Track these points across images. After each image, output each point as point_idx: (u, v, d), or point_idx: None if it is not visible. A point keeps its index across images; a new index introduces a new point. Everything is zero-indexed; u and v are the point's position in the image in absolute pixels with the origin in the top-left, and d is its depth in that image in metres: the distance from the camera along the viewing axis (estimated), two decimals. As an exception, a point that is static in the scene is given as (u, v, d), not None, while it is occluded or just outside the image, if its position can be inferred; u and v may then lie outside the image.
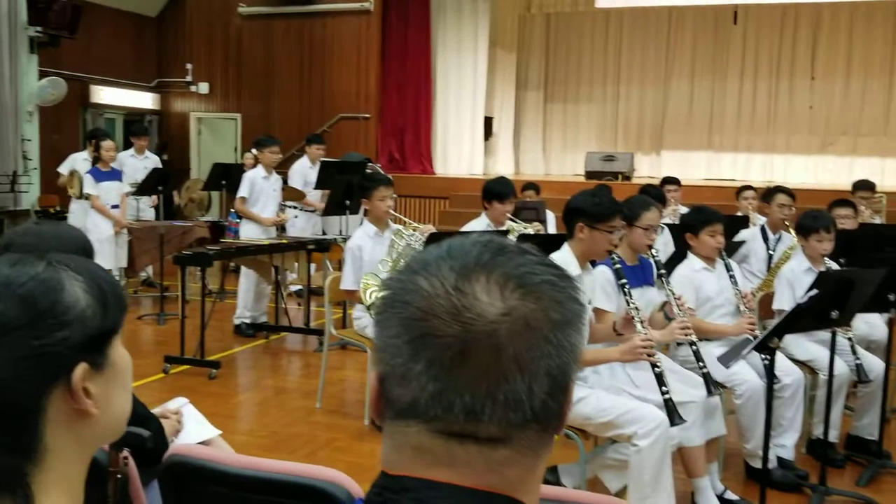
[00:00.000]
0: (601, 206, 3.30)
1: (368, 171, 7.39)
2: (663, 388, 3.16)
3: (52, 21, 9.85)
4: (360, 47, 11.59)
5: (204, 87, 12.40)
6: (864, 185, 7.74)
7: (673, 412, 3.15)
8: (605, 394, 3.35)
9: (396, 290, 0.76)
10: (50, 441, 0.92)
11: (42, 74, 10.04)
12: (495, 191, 5.36)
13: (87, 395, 0.94)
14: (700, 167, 12.66)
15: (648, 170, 12.68)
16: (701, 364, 3.53)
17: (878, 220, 7.16)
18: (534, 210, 6.71)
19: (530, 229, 5.64)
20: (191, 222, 8.25)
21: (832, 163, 12.05)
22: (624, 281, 3.41)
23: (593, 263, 3.60)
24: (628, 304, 3.35)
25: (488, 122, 12.39)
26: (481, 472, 0.74)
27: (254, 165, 7.48)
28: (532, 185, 8.05)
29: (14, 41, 9.67)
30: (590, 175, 10.94)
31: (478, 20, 11.97)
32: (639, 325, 3.29)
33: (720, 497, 3.65)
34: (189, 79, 12.44)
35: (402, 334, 0.74)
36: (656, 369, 3.18)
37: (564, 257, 3.33)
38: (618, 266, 3.48)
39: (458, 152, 12.14)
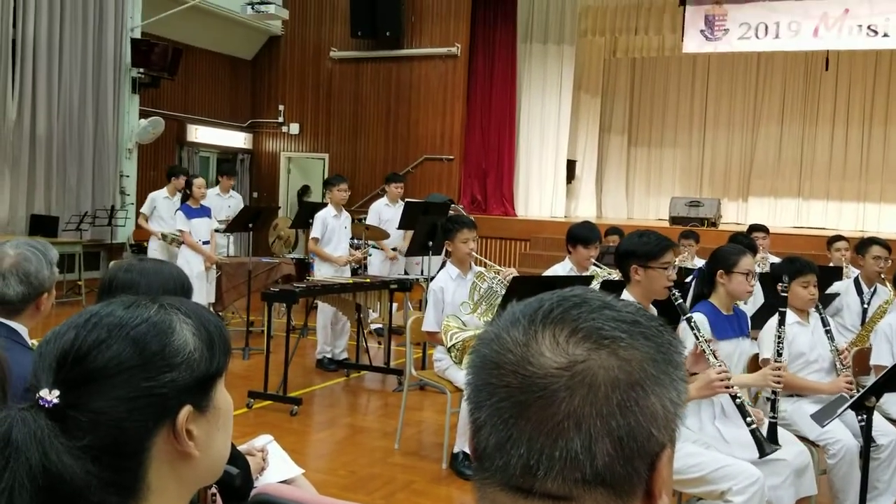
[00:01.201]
0: (650, 244, 3.26)
1: (451, 212, 7.47)
2: (748, 420, 3.08)
3: (154, 63, 10.38)
4: (446, 90, 11.81)
5: (294, 128, 12.85)
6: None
7: (761, 442, 3.07)
8: (695, 447, 3.26)
9: (481, 339, 0.78)
10: (152, 481, 0.95)
11: (142, 114, 10.58)
12: (580, 235, 5.34)
13: (189, 437, 0.96)
14: (789, 215, 12.32)
15: (735, 216, 12.41)
16: (772, 414, 3.40)
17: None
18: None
19: (614, 275, 5.57)
20: (277, 259, 8.47)
21: (930, 213, 11.56)
22: (690, 316, 3.32)
23: (670, 311, 3.53)
24: (697, 339, 3.28)
25: (571, 164, 12.39)
26: None
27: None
28: (616, 230, 7.95)
29: (118, 82, 10.26)
30: (674, 220, 10.76)
31: (563, 64, 12.06)
32: (711, 358, 3.20)
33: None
34: (280, 119, 12.92)
35: (475, 382, 0.76)
36: (737, 400, 3.10)
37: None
38: (679, 302, 3.39)
39: (540, 195, 12.16)
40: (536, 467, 0.72)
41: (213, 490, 1.94)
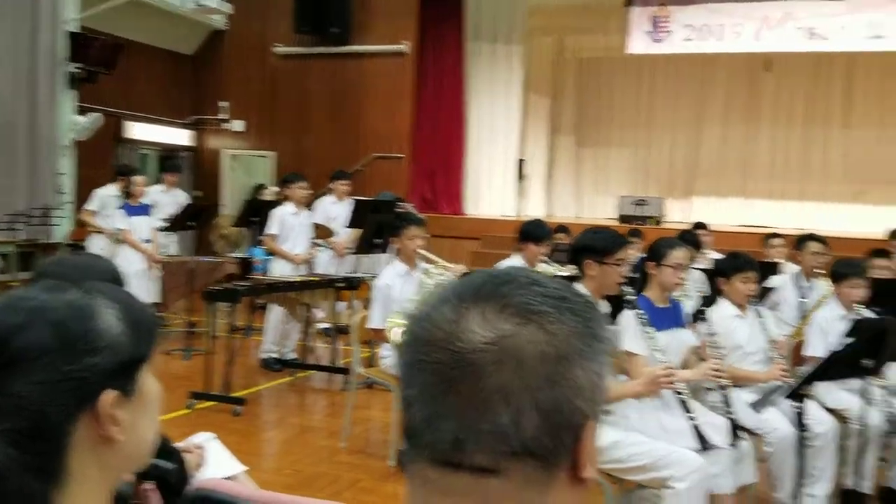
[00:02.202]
0: (606, 240, 3.31)
1: (400, 210, 7.45)
2: (690, 414, 3.14)
3: (92, 57, 10.09)
4: (395, 88, 11.77)
5: (238, 125, 12.67)
6: (899, 234, 7.63)
7: (703, 436, 3.13)
8: (639, 437, 3.31)
9: (413, 318, 0.78)
10: (74, 466, 0.93)
11: (79, 110, 10.30)
12: (532, 232, 5.39)
13: (113, 422, 0.94)
14: (732, 213, 12.58)
15: (680, 215, 12.62)
16: (728, 409, 3.48)
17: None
18: (566, 252, 6.70)
19: (564, 272, 5.63)
20: (220, 258, 8.34)
21: (865, 211, 11.89)
22: (640, 311, 3.38)
23: (620, 307, 3.58)
24: (645, 335, 3.33)
25: (521, 164, 12.47)
26: (478, 501, 0.73)
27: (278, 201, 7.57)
28: (564, 228, 8.05)
29: (53, 77, 9.94)
30: (622, 219, 10.93)
31: (512, 64, 12.13)
32: (658, 355, 3.26)
33: (751, 548, 3.56)
34: (224, 116, 12.72)
35: (405, 360, 0.77)
36: (680, 396, 3.16)
37: None
38: (630, 297, 3.44)
39: (490, 194, 12.22)
40: (465, 441, 0.72)
41: (149, 485, 1.90)
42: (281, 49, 12.22)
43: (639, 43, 11.09)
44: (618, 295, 3.49)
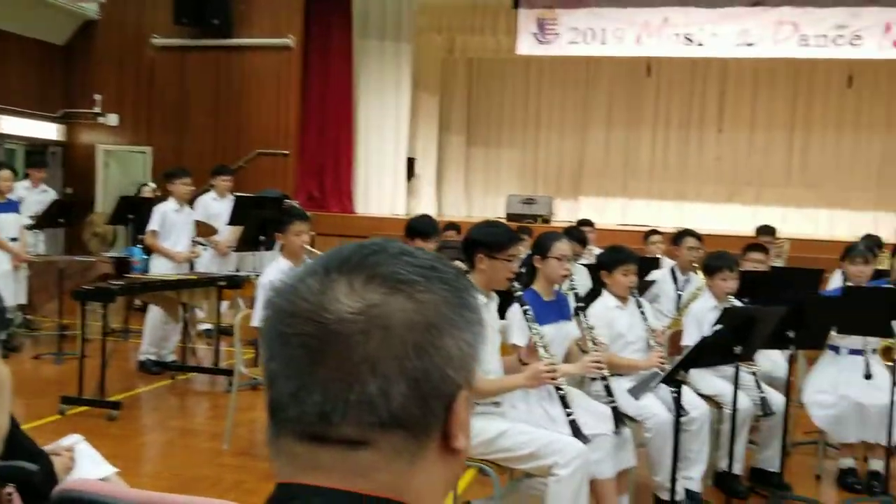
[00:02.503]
0: (498, 235, 3.34)
1: (284, 206, 7.30)
2: (567, 410, 3.22)
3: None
4: (280, 83, 11.53)
5: (113, 119, 12.08)
6: (766, 230, 8.12)
7: (578, 433, 3.22)
8: (525, 426, 3.36)
9: (276, 290, 0.76)
10: None
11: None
12: (419, 229, 5.37)
13: None
14: (616, 212, 12.99)
15: (567, 214, 12.93)
16: (611, 399, 3.58)
17: (779, 264, 7.46)
18: (455, 249, 6.74)
19: (450, 268, 5.67)
20: (93, 257, 7.94)
21: (738, 211, 12.53)
22: (527, 307, 3.42)
23: (509, 302, 3.62)
24: (531, 331, 3.38)
25: (411, 162, 12.48)
26: (347, 475, 0.72)
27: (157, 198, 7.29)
28: (454, 226, 8.16)
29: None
30: (511, 217, 11.08)
31: (400, 62, 12.11)
32: (542, 351, 3.33)
33: (630, 531, 3.67)
34: (97, 110, 12.11)
35: (268, 333, 0.74)
36: (560, 392, 3.23)
37: None
38: (519, 293, 3.49)
39: (380, 192, 12.16)
40: (332, 414, 0.71)
41: (10, 489, 1.79)
42: (159, 40, 11.75)
43: (526, 44, 11.30)
44: (507, 290, 3.53)
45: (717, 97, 12.88)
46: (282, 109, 11.54)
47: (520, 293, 3.54)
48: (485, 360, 3.32)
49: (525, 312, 3.44)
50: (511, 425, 3.34)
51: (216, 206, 7.70)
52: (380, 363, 0.70)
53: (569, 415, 3.25)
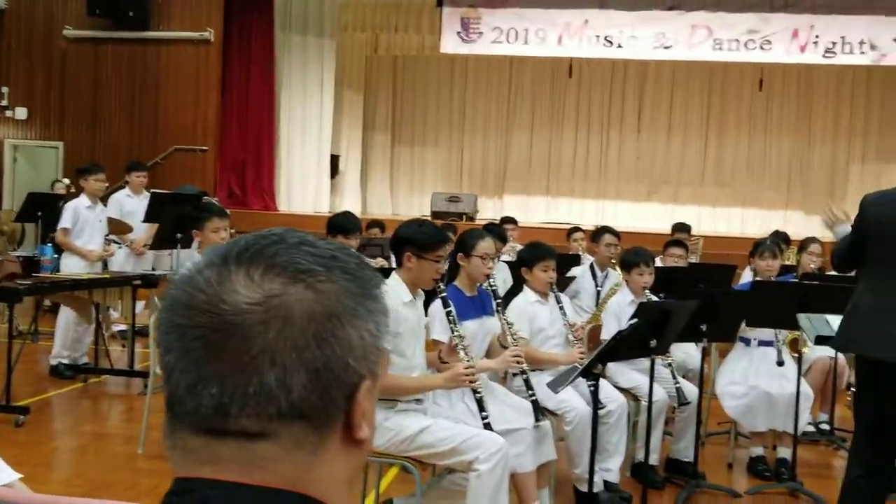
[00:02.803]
0: (428, 235, 3.34)
1: (202, 203, 7.12)
2: (483, 413, 3.26)
3: None
4: (199, 78, 11.26)
5: (21, 113, 11.57)
6: (682, 228, 8.38)
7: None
8: (446, 422, 3.37)
9: (173, 282, 0.76)
10: None
11: None
12: (341, 225, 5.34)
13: None
14: (539, 211, 13.17)
15: (492, 213, 13.03)
16: (531, 392, 3.62)
17: (694, 260, 7.71)
18: (378, 247, 6.75)
19: (374, 264, 5.65)
20: None
21: (656, 209, 12.88)
22: (450, 309, 3.44)
23: (432, 296, 3.63)
24: (453, 332, 3.40)
25: (335, 160, 12.36)
26: (246, 468, 0.70)
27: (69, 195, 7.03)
28: (378, 223, 8.16)
29: None
30: (436, 215, 11.11)
31: (323, 58, 11.99)
32: (462, 353, 3.35)
33: (550, 522, 3.72)
34: (4, 103, 11.58)
35: (164, 325, 0.73)
36: (477, 395, 3.27)
37: (394, 285, 3.33)
38: (443, 294, 3.49)
39: (303, 190, 12.01)
40: (230, 406, 0.70)
41: None
42: (72, 32, 11.31)
43: (450, 43, 11.34)
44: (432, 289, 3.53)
45: (636, 98, 13.19)
46: (200, 104, 11.27)
47: (444, 294, 3.54)
48: (409, 356, 3.32)
49: (448, 314, 3.45)
50: (433, 421, 3.34)
51: (131, 204, 7.47)
52: (279, 354, 0.69)
53: (484, 418, 3.29)
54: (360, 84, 13.12)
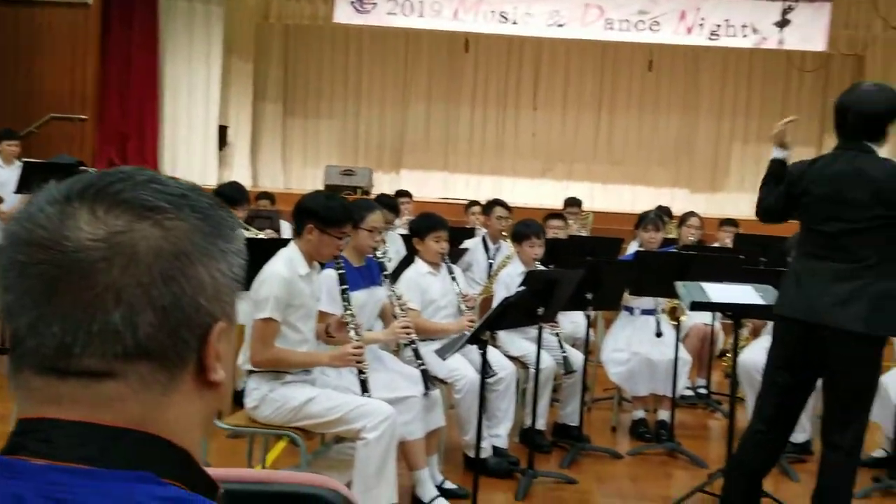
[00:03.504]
0: (334, 210, 3.28)
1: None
2: (366, 394, 3.26)
3: None
4: (76, 43, 10.62)
5: None
6: (573, 202, 8.60)
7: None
8: (334, 392, 3.35)
9: (13, 218, 0.73)
10: None
11: None
12: (226, 195, 5.17)
13: None
14: (437, 187, 13.16)
15: (388, 188, 12.90)
16: (420, 362, 3.64)
17: (584, 234, 7.92)
18: (268, 219, 6.62)
19: (262, 236, 5.54)
20: None
21: (551, 186, 13.09)
22: (345, 287, 3.41)
23: (322, 266, 3.58)
24: (345, 310, 3.37)
25: (223, 131, 11.95)
26: (91, 407, 0.69)
27: None
28: (267, 195, 8.00)
29: None
30: (329, 188, 10.95)
31: (211, 25, 11.54)
32: (352, 332, 3.33)
33: (439, 487, 3.76)
34: None
35: (2, 263, 0.71)
36: (362, 375, 3.26)
37: (291, 255, 3.27)
38: (342, 272, 3.46)
39: (189, 161, 11.56)
40: (73, 345, 0.68)
41: None
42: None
43: (344, 13, 11.12)
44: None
45: (532, 75, 13.33)
46: (78, 71, 10.65)
47: (343, 271, 3.49)
48: (301, 329, 3.26)
49: (343, 292, 3.41)
50: (320, 391, 3.31)
51: (1, 174, 7.05)
52: (124, 291, 0.68)
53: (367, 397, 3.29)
54: (250, 53, 12.68)
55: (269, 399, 3.23)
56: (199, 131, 11.60)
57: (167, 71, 11.44)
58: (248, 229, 5.41)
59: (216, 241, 0.74)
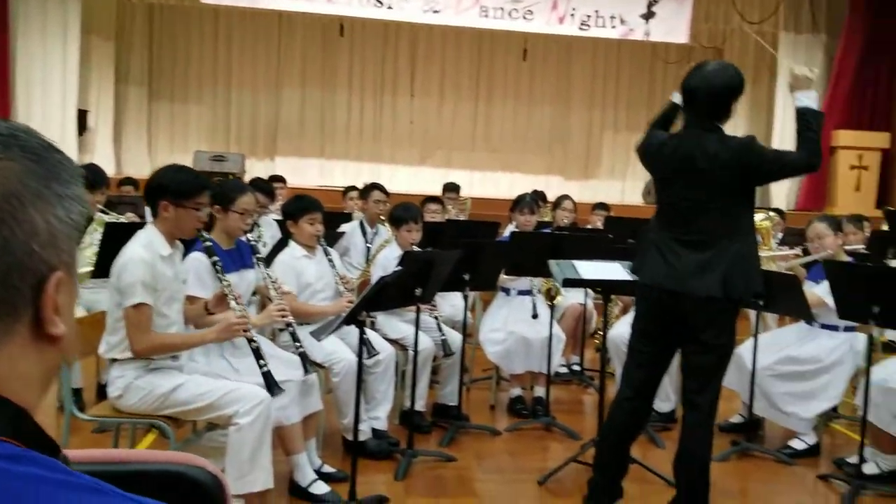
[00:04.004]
0: (186, 182, 3.13)
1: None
2: (261, 362, 3.16)
3: None
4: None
5: None
6: (451, 188, 8.66)
7: (272, 384, 3.16)
8: (203, 378, 3.22)
9: None
10: None
11: None
12: (86, 179, 4.89)
13: None
14: (314, 174, 12.97)
15: (263, 175, 12.60)
16: (298, 345, 3.56)
17: (462, 218, 7.99)
18: (131, 205, 6.33)
19: (123, 219, 5.29)
20: None
21: (430, 173, 13.14)
22: (216, 259, 3.30)
23: (188, 249, 3.44)
24: (221, 282, 3.26)
25: (83, 115, 11.29)
26: None
27: None
28: (131, 181, 7.66)
29: None
30: (199, 175, 10.59)
31: (67, 3, 10.85)
32: (233, 303, 3.22)
33: (318, 471, 3.70)
34: None
35: None
36: (253, 344, 3.17)
37: (150, 237, 3.11)
38: (208, 244, 3.35)
39: (47, 147, 10.87)
40: None
41: None
42: None
43: (213, -7, 10.74)
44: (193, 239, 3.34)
45: (408, 62, 13.31)
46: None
47: (209, 244, 3.37)
48: (167, 313, 3.11)
49: (214, 264, 3.29)
50: (188, 378, 3.18)
51: None
52: None
53: (263, 366, 3.17)
54: (111, 32, 12.01)
55: (134, 387, 3.07)
56: (56, 115, 10.89)
57: (19, 51, 10.67)
58: (107, 214, 5.15)
59: (51, 185, 0.71)
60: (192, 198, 3.11)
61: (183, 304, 3.28)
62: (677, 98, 3.44)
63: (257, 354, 3.19)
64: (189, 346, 3.23)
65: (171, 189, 3.08)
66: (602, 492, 3.45)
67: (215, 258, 3.34)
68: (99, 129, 11.88)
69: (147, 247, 3.06)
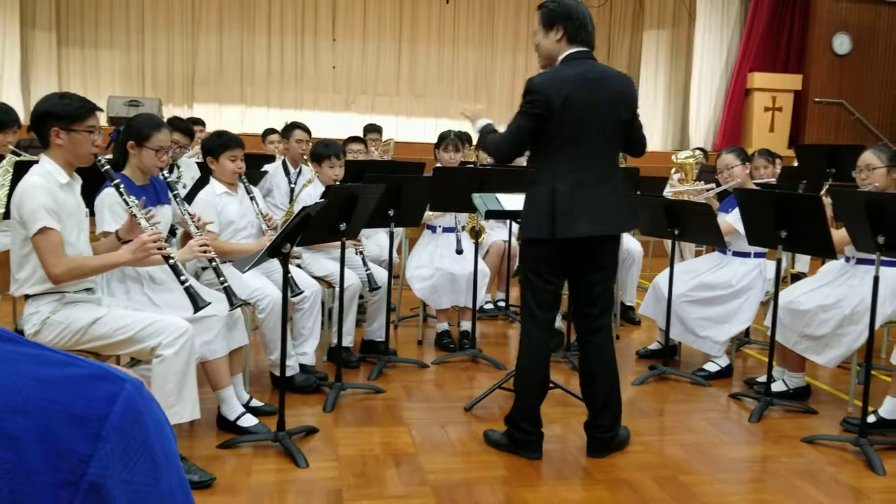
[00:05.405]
0: (73, 105, 2.99)
1: None
2: (182, 278, 3.08)
3: None
4: None
5: None
6: (373, 129, 8.58)
7: (196, 297, 3.08)
8: (123, 311, 3.15)
9: None
10: None
11: None
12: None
13: None
14: (234, 120, 12.64)
15: (181, 121, 12.28)
16: (222, 279, 3.51)
17: (386, 159, 7.95)
18: (40, 148, 6.08)
19: (36, 159, 5.11)
20: None
21: (354, 119, 12.96)
22: (118, 181, 3.16)
23: (97, 187, 3.34)
24: (128, 205, 3.15)
25: (-14, 60, 10.71)
26: None
27: None
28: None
29: None
30: (112, 121, 10.17)
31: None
32: (143, 223, 3.13)
33: (246, 405, 3.70)
34: None
35: None
36: (170, 261, 3.07)
37: (46, 167, 2.99)
38: (117, 182, 3.21)
39: (-53, 94, 10.31)
40: None
41: None
42: None
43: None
44: (93, 167, 3.21)
45: (330, 5, 13.02)
46: None
47: (118, 181, 3.26)
48: (73, 242, 3.01)
49: (118, 187, 3.15)
50: (107, 311, 3.11)
51: None
52: None
53: (184, 282, 3.09)
54: (14, -27, 11.39)
55: (50, 322, 3.00)
56: (-44, 59, 10.31)
57: None
58: (19, 155, 4.93)
59: None
60: (83, 121, 2.99)
61: (89, 236, 3.19)
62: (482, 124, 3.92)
63: (176, 271, 3.06)
64: (105, 268, 3.09)
65: (59, 115, 2.95)
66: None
67: (117, 181, 3.18)
68: (5, 75, 11.29)
69: (44, 175, 2.96)
